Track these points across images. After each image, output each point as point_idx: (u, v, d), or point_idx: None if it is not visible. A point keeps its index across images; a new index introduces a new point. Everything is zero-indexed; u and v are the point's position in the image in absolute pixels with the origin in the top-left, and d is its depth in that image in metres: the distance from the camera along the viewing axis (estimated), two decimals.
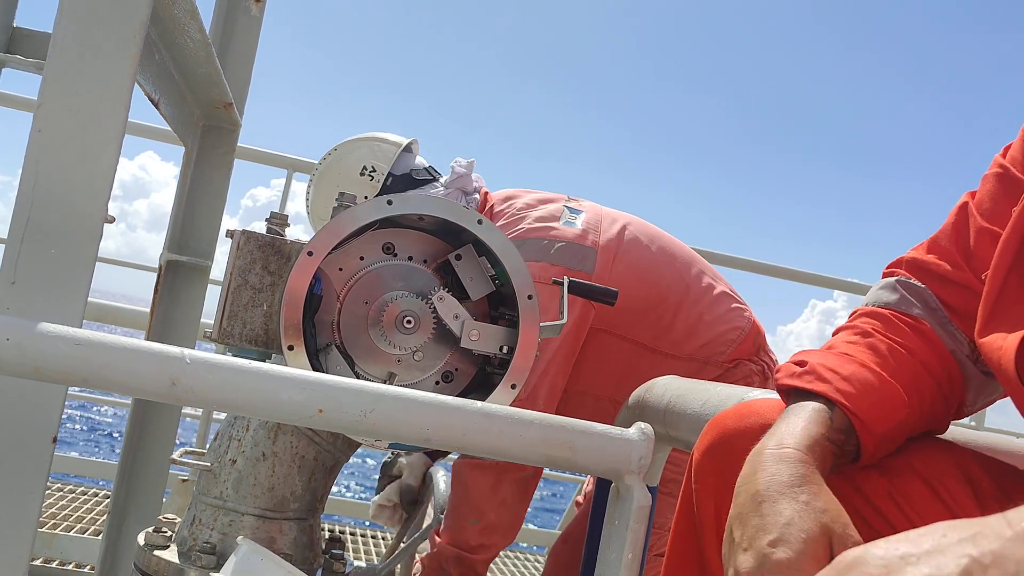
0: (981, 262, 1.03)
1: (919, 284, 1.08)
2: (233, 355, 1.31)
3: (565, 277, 1.51)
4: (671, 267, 2.12)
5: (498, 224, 2.10)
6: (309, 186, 2.27)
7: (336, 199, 1.34)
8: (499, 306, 1.40)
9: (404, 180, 2.12)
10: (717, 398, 1.27)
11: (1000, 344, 0.90)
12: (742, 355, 2.11)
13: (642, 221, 2.19)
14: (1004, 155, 1.08)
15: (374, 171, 2.09)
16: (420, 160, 2.21)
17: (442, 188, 2.14)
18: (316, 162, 2.30)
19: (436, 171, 2.23)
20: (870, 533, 0.60)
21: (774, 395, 1.09)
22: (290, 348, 1.24)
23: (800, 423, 0.92)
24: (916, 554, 0.55)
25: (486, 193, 2.21)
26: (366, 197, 2.07)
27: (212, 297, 1.96)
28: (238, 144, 2.06)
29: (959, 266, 1.06)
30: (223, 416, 1.50)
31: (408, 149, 2.21)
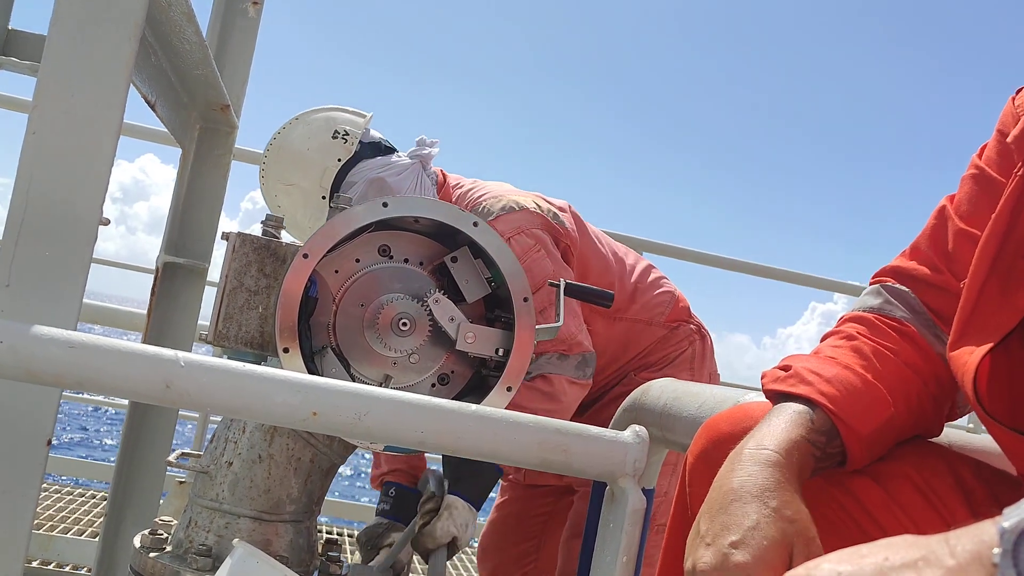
0: (961, 265, 1.03)
1: (902, 288, 1.09)
2: (228, 357, 1.31)
3: (561, 280, 1.52)
4: (607, 241, 2.24)
5: (459, 194, 2.14)
6: (263, 166, 2.13)
7: (333, 202, 1.34)
8: (495, 308, 1.40)
9: (373, 147, 2.12)
10: (712, 401, 1.27)
11: (965, 360, 0.91)
12: (679, 317, 2.23)
13: None
14: (980, 155, 1.09)
15: (347, 135, 2.08)
16: (376, 133, 2.22)
17: (407, 158, 2.14)
18: (261, 182, 2.14)
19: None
20: (864, 540, 0.59)
21: None
22: (285, 351, 1.24)
23: (781, 425, 0.93)
24: None
25: (442, 171, 2.24)
26: (339, 160, 2.05)
27: (209, 299, 1.96)
28: (237, 146, 2.07)
29: (939, 270, 1.07)
30: (220, 418, 1.50)
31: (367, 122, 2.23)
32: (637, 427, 0.99)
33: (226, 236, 1.34)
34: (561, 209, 2.09)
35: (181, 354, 0.88)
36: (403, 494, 2.08)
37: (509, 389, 1.31)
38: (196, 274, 2.00)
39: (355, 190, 2.06)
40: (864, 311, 1.09)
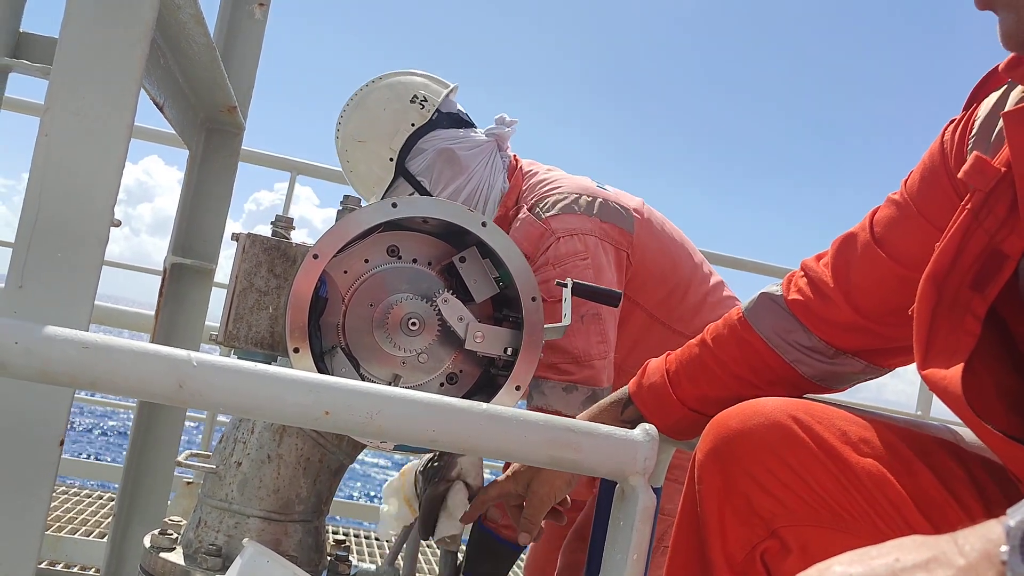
0: (859, 282, 1.21)
1: (779, 294, 1.30)
2: (238, 358, 1.32)
3: (569, 280, 1.52)
4: (682, 247, 2.14)
5: (531, 183, 2.09)
6: (341, 118, 2.15)
7: (341, 203, 1.35)
8: (503, 308, 1.40)
9: (449, 118, 2.09)
10: None
11: (944, 374, 0.95)
12: None
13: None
14: (906, 182, 1.19)
15: (425, 100, 2.06)
16: (459, 106, 2.19)
17: (483, 135, 2.12)
18: (336, 133, 2.16)
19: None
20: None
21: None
22: (296, 351, 1.25)
23: (594, 411, 1.44)
24: None
25: (515, 156, 2.20)
26: (413, 124, 2.04)
27: (216, 300, 1.96)
28: (242, 147, 2.07)
29: (832, 283, 1.24)
30: (227, 419, 1.50)
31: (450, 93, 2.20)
32: (647, 425, 0.99)
33: (236, 237, 1.34)
34: (633, 209, 2.03)
35: (194, 354, 0.89)
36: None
37: (518, 388, 1.32)
38: (204, 275, 2.01)
39: (424, 157, 2.04)
40: (744, 309, 1.33)
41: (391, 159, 2.04)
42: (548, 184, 2.06)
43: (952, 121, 1.14)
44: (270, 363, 1.23)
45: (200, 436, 3.52)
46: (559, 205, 1.95)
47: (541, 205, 1.97)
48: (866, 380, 1.31)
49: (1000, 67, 1.03)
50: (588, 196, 1.99)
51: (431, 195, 2.03)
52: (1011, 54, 1.00)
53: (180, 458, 1.43)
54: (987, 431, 0.91)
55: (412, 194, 2.04)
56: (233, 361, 0.91)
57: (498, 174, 2.08)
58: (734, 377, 1.29)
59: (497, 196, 2.07)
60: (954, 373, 0.94)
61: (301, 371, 0.94)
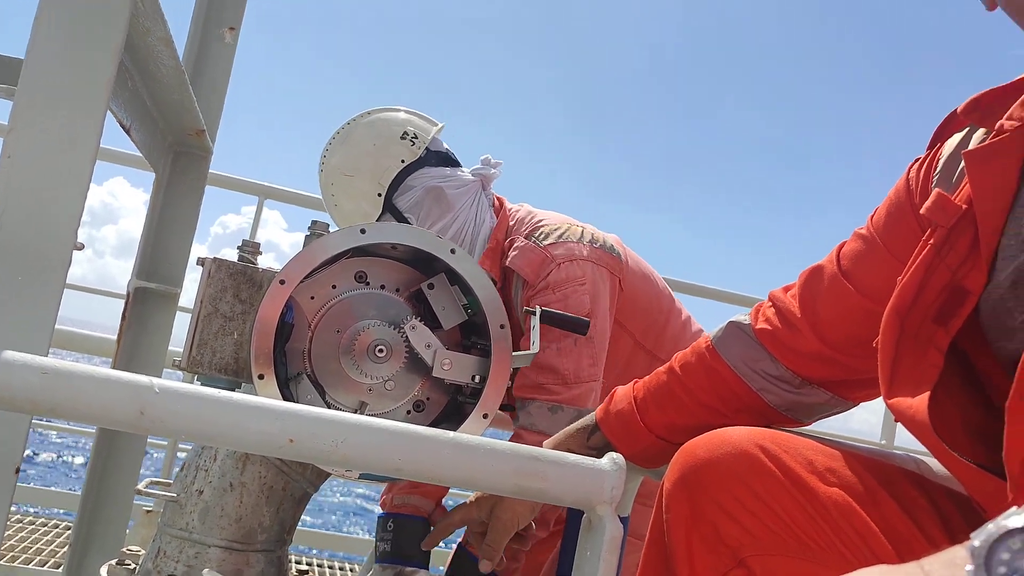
0: (825, 313, 1.23)
1: (744, 321, 1.32)
2: (202, 384, 1.30)
3: (538, 307, 1.52)
4: (659, 280, 2.20)
5: (518, 218, 2.12)
6: (326, 151, 2.15)
7: (309, 228, 1.34)
8: (471, 335, 1.40)
9: (438, 156, 2.11)
10: None
11: (910, 403, 0.97)
12: None
13: None
14: (872, 218, 1.22)
15: (416, 138, 2.07)
16: (445, 145, 2.21)
17: (469, 175, 2.14)
18: (320, 167, 2.16)
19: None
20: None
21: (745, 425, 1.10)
22: (260, 377, 1.23)
23: (561, 437, 1.42)
24: None
25: (500, 197, 2.23)
26: (403, 161, 2.05)
27: (180, 325, 1.93)
28: (209, 170, 2.06)
29: (799, 313, 1.25)
30: (189, 446, 1.48)
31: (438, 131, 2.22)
32: (614, 454, 0.99)
33: (201, 261, 1.33)
34: (608, 238, 2.08)
35: (156, 380, 0.87)
36: (402, 524, 2.01)
37: (485, 416, 1.31)
38: (168, 299, 1.98)
39: (412, 194, 2.06)
40: (713, 338, 1.34)
41: (379, 194, 2.05)
42: (536, 217, 2.10)
43: (917, 159, 1.17)
44: (234, 390, 1.21)
45: (164, 463, 3.46)
46: (556, 233, 2.00)
47: (537, 234, 2.01)
48: (833, 413, 1.32)
49: (959, 110, 1.07)
50: (579, 226, 2.04)
51: None
52: (969, 98, 1.04)
53: (140, 486, 1.41)
54: (954, 459, 0.92)
55: None
56: (196, 388, 0.90)
57: (484, 212, 2.12)
58: (701, 405, 1.30)
59: (486, 234, 2.10)
60: (920, 402, 0.95)
61: (265, 398, 0.93)
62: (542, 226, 2.04)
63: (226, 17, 1.96)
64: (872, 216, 1.22)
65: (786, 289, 1.31)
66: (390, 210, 2.08)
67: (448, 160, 2.13)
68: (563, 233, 2.00)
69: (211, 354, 1.31)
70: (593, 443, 1.38)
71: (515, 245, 2.01)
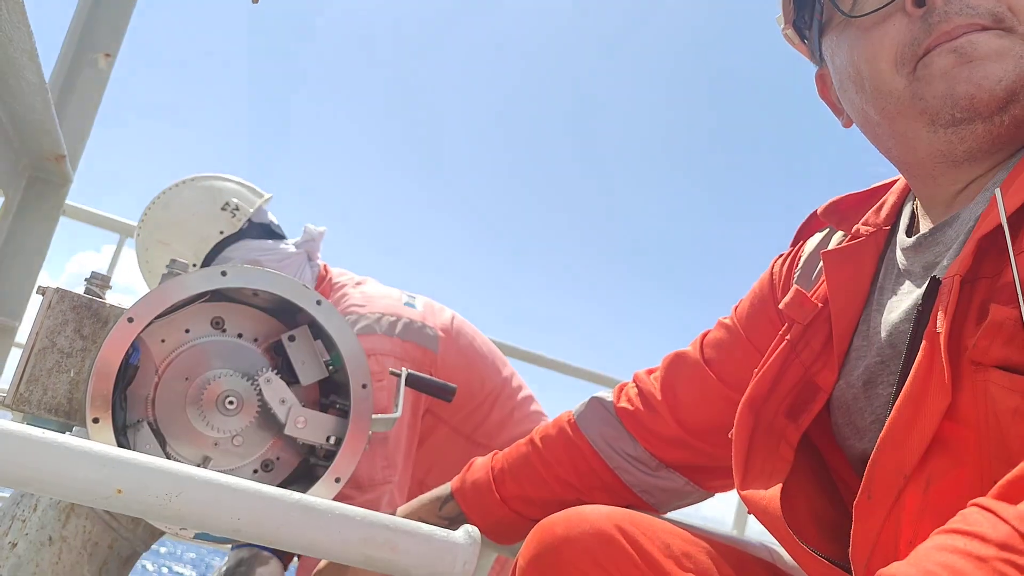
0: (685, 398, 1.25)
1: (607, 399, 1.32)
2: (28, 424, 1.18)
3: (403, 369, 1.48)
4: (491, 361, 2.15)
5: (335, 297, 2.06)
6: (145, 215, 2.05)
7: (168, 265, 1.26)
8: (331, 393, 1.33)
9: (261, 228, 2.05)
10: None
11: (763, 495, 0.98)
12: None
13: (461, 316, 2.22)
14: (736, 308, 1.26)
15: (237, 209, 2.00)
16: (272, 216, 2.15)
17: (292, 247, 2.08)
18: (137, 230, 2.08)
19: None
20: None
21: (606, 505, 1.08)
22: (95, 421, 1.13)
23: (415, 504, 1.38)
24: None
25: (325, 266, 2.17)
26: (221, 232, 1.97)
27: (15, 361, 1.79)
28: (68, 201, 1.94)
29: (660, 396, 1.27)
30: (7, 493, 1.35)
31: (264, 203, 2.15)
32: (469, 527, 0.95)
33: (42, 291, 1.22)
34: (440, 327, 2.01)
35: None
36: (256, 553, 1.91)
37: (338, 480, 1.24)
38: (5, 332, 1.84)
39: None
40: (575, 413, 1.33)
41: (194, 264, 1.99)
42: (351, 301, 2.04)
43: (781, 255, 1.21)
44: (64, 432, 1.11)
45: None
46: (359, 326, 1.94)
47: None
48: (689, 502, 1.33)
49: (819, 212, 1.12)
50: (391, 316, 1.97)
51: None
52: (828, 201, 1.10)
53: None
54: (804, 552, 0.92)
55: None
56: (13, 425, 0.81)
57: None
58: (558, 480, 1.28)
59: None
60: (773, 495, 0.96)
61: (93, 442, 0.84)
62: (352, 310, 1.98)
63: (101, 42, 1.87)
64: (736, 307, 1.26)
65: (650, 371, 1.32)
66: None
67: (271, 232, 2.09)
68: (369, 324, 1.93)
69: (42, 392, 1.19)
70: (446, 512, 1.34)
71: None
